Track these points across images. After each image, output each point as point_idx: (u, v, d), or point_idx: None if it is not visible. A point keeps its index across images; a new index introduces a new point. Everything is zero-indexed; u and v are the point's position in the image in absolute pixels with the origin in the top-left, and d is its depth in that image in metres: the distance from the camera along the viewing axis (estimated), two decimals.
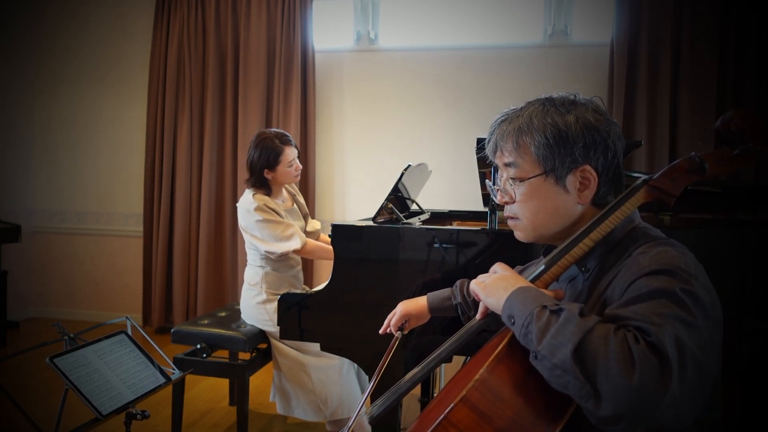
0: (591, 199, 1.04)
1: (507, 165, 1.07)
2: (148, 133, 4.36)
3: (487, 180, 1.18)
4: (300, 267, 2.80)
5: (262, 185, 2.63)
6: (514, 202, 1.08)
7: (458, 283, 1.49)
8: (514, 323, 0.91)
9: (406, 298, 1.54)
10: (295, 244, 2.53)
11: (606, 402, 0.77)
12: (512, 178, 1.06)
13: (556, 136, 1.01)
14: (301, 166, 2.71)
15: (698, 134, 3.54)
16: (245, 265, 2.73)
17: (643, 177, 1.02)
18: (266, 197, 2.60)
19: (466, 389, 0.86)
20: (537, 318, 0.86)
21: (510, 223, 1.12)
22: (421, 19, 4.11)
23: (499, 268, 1.07)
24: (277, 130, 2.70)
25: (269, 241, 2.55)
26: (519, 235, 1.11)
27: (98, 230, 4.67)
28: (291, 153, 2.62)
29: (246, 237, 2.64)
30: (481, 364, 0.90)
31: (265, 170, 2.60)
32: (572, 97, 1.06)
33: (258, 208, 2.52)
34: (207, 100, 4.22)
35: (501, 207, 1.13)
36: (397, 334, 1.44)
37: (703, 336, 0.83)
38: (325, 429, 2.69)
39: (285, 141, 2.62)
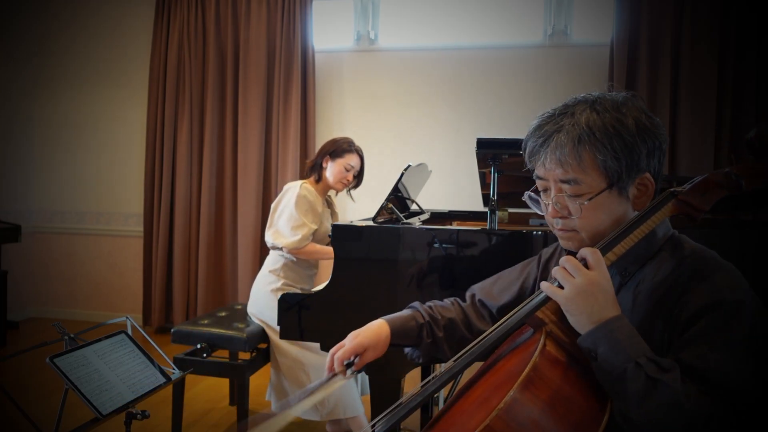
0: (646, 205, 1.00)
1: (564, 182, 0.98)
2: (148, 133, 4.36)
3: (527, 192, 1.08)
4: (315, 271, 2.83)
5: (317, 170, 2.75)
6: (569, 216, 1.00)
7: (417, 305, 1.28)
8: (595, 359, 0.88)
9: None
10: (295, 238, 2.58)
11: None
12: (574, 196, 0.98)
13: (622, 145, 0.94)
14: (350, 181, 2.77)
15: (698, 134, 3.54)
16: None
17: (671, 189, 0.98)
18: (313, 191, 2.68)
19: (490, 418, 0.81)
20: (632, 378, 0.84)
21: (562, 234, 1.04)
22: (421, 19, 4.11)
23: (591, 255, 0.92)
24: (357, 145, 2.83)
25: (279, 228, 2.63)
26: (570, 245, 1.03)
27: (98, 230, 4.67)
28: (355, 159, 2.75)
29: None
30: (502, 387, 0.86)
31: (327, 157, 2.72)
32: (618, 97, 1.00)
33: (298, 196, 2.61)
34: (207, 100, 4.22)
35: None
36: (348, 375, 1.15)
37: None
38: (325, 429, 2.69)
39: (357, 150, 2.77)
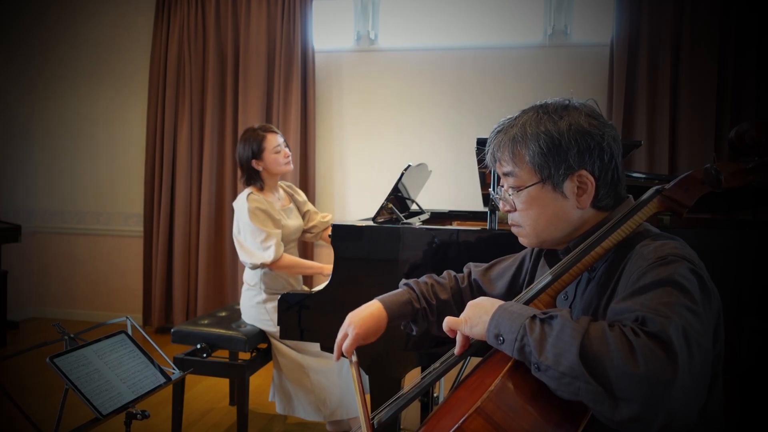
0: (590, 203, 1.06)
1: (506, 174, 1.10)
2: (148, 133, 4.37)
3: (491, 189, 1.18)
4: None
5: (255, 179, 2.65)
6: (515, 210, 1.10)
7: (413, 284, 1.37)
8: (503, 342, 0.89)
9: None
10: (267, 256, 2.49)
11: (621, 402, 0.76)
12: (511, 188, 1.09)
13: (549, 144, 1.03)
14: (290, 153, 2.70)
15: (698, 134, 3.54)
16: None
17: (656, 187, 1.03)
18: (261, 197, 2.59)
19: (481, 400, 0.85)
20: (530, 329, 0.85)
21: (514, 230, 1.14)
22: (421, 19, 4.11)
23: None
24: (260, 123, 2.73)
25: (248, 247, 2.54)
26: (523, 241, 1.14)
27: (98, 230, 4.67)
28: (274, 139, 2.64)
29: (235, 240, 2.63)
30: (494, 373, 0.89)
31: (253, 161, 2.62)
32: (566, 102, 1.08)
33: (249, 210, 2.52)
34: (207, 100, 4.22)
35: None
36: (354, 360, 1.24)
37: (706, 321, 0.85)
38: (325, 429, 2.69)
39: (266, 129, 2.67)
